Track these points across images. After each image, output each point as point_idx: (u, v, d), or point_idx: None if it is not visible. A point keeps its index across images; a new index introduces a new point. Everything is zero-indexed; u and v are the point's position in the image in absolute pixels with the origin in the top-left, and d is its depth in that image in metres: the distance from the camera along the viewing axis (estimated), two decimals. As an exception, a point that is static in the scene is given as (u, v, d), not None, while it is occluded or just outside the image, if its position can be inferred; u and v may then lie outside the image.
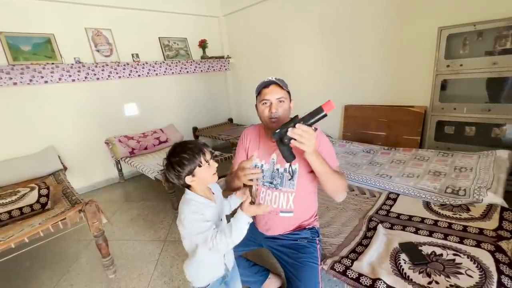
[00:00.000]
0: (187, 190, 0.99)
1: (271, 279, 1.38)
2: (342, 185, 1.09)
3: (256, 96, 1.14)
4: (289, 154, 0.97)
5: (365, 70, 2.79)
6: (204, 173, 0.95)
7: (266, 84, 1.08)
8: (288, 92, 1.12)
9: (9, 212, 1.66)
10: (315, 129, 0.92)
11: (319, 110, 0.87)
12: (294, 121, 0.90)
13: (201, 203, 0.96)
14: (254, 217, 1.26)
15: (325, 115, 0.87)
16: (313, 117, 0.88)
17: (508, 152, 1.86)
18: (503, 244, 1.12)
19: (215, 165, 0.98)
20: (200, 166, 0.93)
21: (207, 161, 0.94)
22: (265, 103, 1.08)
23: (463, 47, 2.06)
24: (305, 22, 3.12)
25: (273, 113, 1.07)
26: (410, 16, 2.37)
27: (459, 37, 2.06)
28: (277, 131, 0.93)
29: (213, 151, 1.00)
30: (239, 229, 0.91)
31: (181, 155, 0.91)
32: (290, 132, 0.88)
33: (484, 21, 1.90)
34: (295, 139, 0.89)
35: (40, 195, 1.79)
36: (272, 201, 1.17)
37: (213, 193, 1.04)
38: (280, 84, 1.07)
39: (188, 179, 0.93)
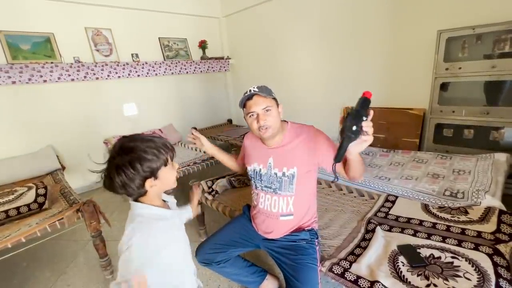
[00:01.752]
0: (137, 204, 0.76)
1: (268, 280, 1.38)
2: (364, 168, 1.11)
3: (242, 109, 1.13)
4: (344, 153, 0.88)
5: (365, 72, 2.80)
6: (168, 175, 0.77)
7: (249, 96, 1.07)
8: (274, 99, 1.11)
9: (6, 211, 1.65)
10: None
11: (365, 100, 0.83)
12: (359, 113, 0.82)
13: (159, 219, 0.76)
14: (253, 220, 1.27)
15: (370, 101, 0.84)
16: (365, 106, 0.83)
17: (506, 155, 1.87)
18: (501, 247, 1.12)
19: (176, 166, 0.82)
20: (165, 165, 0.75)
21: (172, 159, 0.78)
22: (252, 115, 1.08)
23: (462, 50, 2.07)
24: (306, 24, 3.13)
25: (261, 124, 1.06)
26: (410, 19, 2.38)
27: (458, 40, 2.07)
28: (352, 120, 0.82)
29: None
30: None
31: (143, 149, 0.71)
32: (366, 126, 0.81)
33: (483, 25, 1.91)
34: (366, 133, 0.83)
35: (37, 195, 1.78)
36: (272, 205, 1.17)
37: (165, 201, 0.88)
38: (262, 94, 1.05)
39: (148, 183, 0.73)
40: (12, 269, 1.81)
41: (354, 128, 0.83)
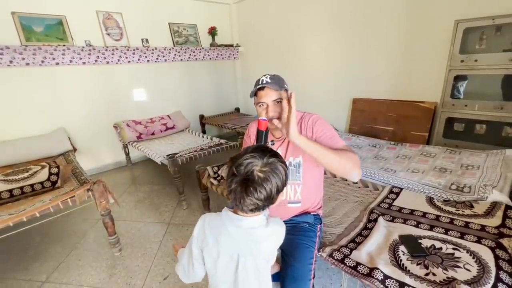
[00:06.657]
0: (268, 218, 0.82)
1: (270, 264, 1.41)
2: (350, 163, 1.00)
3: (253, 97, 1.12)
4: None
5: (376, 63, 2.74)
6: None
7: (261, 87, 1.06)
8: (286, 90, 1.09)
9: (21, 188, 1.73)
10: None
11: (257, 132, 1.03)
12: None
13: None
14: None
15: (266, 131, 1.03)
16: (261, 139, 1.03)
17: (518, 151, 1.82)
18: (505, 241, 1.11)
19: None
20: None
21: None
22: (262, 105, 1.07)
23: (479, 41, 1.99)
24: (317, 13, 3.05)
25: (270, 116, 1.06)
26: (426, 7, 2.30)
27: (476, 31, 1.99)
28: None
29: None
30: None
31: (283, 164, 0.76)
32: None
33: (504, 15, 1.83)
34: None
35: (50, 174, 1.85)
36: None
37: None
38: (274, 87, 1.04)
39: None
40: (27, 243, 1.91)
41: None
